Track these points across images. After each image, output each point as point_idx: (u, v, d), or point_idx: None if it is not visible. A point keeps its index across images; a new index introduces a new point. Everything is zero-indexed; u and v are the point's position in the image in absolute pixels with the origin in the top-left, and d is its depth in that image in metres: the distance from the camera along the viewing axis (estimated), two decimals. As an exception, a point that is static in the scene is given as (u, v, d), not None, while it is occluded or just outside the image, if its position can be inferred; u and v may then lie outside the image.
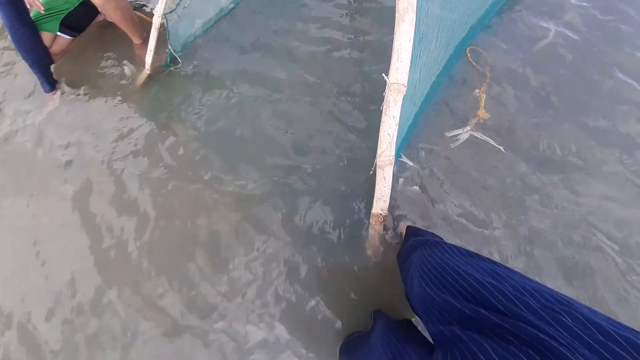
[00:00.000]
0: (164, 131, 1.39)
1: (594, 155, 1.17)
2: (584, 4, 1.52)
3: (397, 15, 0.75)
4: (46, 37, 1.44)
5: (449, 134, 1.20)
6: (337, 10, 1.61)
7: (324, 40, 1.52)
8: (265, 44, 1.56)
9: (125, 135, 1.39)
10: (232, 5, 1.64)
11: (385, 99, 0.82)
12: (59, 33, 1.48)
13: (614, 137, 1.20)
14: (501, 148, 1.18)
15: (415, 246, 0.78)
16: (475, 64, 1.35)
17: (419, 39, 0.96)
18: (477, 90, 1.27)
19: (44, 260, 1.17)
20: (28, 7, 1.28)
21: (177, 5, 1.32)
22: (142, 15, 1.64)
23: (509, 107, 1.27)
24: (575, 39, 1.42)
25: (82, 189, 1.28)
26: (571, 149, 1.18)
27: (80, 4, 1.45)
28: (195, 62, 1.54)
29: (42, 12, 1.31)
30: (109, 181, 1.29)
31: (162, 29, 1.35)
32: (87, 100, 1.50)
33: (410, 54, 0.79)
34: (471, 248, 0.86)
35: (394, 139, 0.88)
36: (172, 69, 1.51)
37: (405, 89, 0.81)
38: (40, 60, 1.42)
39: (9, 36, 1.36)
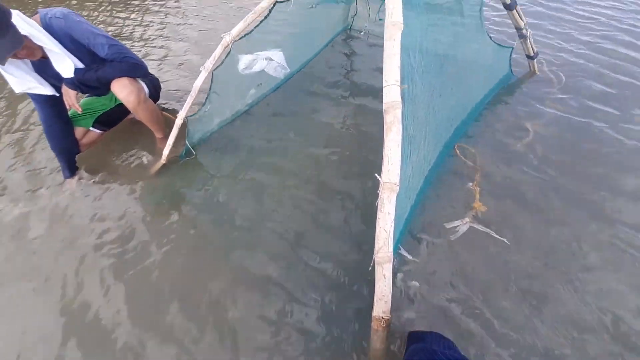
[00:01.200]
0: (166, 216, 1.43)
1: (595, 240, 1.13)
2: (558, 105, 1.72)
3: (385, 126, 0.85)
4: (79, 131, 1.62)
5: (448, 225, 1.20)
6: (341, 115, 1.84)
7: (328, 141, 1.67)
8: (275, 143, 1.73)
9: (127, 219, 1.43)
10: (246, 108, 1.89)
11: (379, 197, 0.86)
12: (91, 128, 1.68)
13: (605, 225, 1.19)
14: (505, 240, 1.16)
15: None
16: (464, 159, 1.45)
17: (408, 142, 1.06)
18: (470, 184, 1.33)
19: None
20: (76, 107, 1.46)
21: (199, 110, 1.53)
22: (168, 114, 1.89)
23: (503, 199, 1.30)
24: (554, 137, 1.55)
25: (78, 270, 1.24)
26: (571, 243, 1.15)
27: (118, 105, 1.69)
28: (207, 156, 1.69)
29: (80, 112, 1.51)
30: (104, 264, 1.25)
31: (183, 126, 1.54)
32: (102, 186, 1.60)
33: (400, 156, 0.86)
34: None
35: (391, 235, 0.88)
36: (186, 159, 1.65)
37: (397, 187, 0.85)
38: (68, 151, 1.57)
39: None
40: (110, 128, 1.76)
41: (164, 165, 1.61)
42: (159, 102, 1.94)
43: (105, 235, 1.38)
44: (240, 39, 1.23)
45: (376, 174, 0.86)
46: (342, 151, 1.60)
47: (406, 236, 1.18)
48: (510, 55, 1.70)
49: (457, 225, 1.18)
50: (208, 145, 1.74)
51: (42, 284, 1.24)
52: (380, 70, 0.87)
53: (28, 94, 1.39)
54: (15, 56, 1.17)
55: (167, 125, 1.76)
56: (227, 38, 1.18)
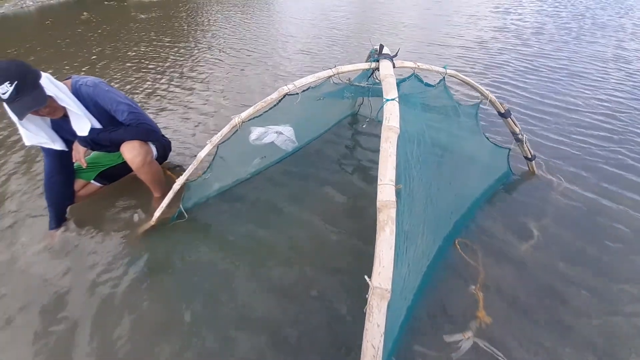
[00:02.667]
0: (143, 281, 1.32)
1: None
2: (560, 204, 1.68)
3: (377, 224, 0.81)
4: (79, 183, 1.64)
5: (448, 339, 1.04)
6: (341, 194, 1.84)
7: (322, 220, 1.63)
8: (269, 215, 1.69)
9: (102, 280, 1.31)
10: (248, 176, 1.92)
11: (368, 303, 0.76)
12: (92, 181, 1.69)
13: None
14: (514, 365, 0.98)
15: None
16: (465, 256, 1.36)
17: (404, 238, 1.01)
18: (473, 287, 1.22)
19: None
20: (82, 163, 1.50)
21: (200, 176, 1.55)
22: (171, 173, 1.92)
23: (510, 309, 1.16)
24: (559, 237, 1.48)
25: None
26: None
27: (123, 163, 1.74)
28: (200, 220, 1.65)
29: (85, 167, 1.54)
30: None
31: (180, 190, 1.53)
32: (82, 244, 1.53)
33: (393, 259, 0.79)
34: None
35: (380, 351, 0.75)
36: (175, 223, 1.60)
37: (389, 294, 0.76)
38: (61, 202, 1.56)
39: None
40: (110, 182, 1.77)
41: (152, 226, 1.56)
42: (170, 160, 2.01)
43: (61, 298, 1.25)
44: (249, 120, 1.31)
45: (366, 276, 0.78)
46: (335, 235, 1.54)
47: (400, 346, 1.03)
48: (508, 155, 1.76)
49: (459, 341, 1.03)
50: (201, 211, 1.70)
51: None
52: (373, 157, 0.88)
53: (40, 146, 1.44)
54: (37, 113, 1.25)
55: (169, 185, 1.77)
56: (236, 120, 1.25)
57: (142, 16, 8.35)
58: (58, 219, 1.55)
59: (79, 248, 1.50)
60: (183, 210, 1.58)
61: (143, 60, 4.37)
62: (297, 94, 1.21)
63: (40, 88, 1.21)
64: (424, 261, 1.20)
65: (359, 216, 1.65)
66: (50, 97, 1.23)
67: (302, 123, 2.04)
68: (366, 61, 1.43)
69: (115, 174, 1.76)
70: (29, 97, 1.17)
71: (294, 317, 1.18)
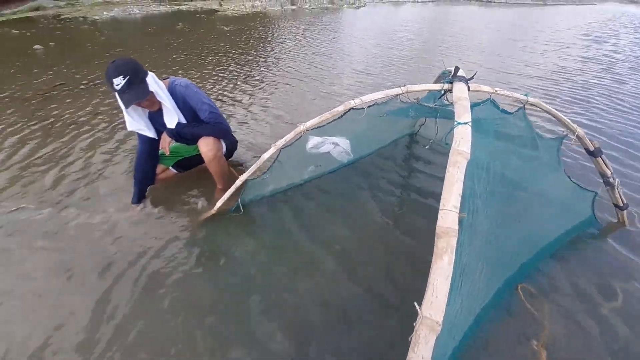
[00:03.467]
0: (192, 264, 1.45)
1: None
2: None
3: (435, 250, 0.78)
4: (160, 167, 1.88)
5: (497, 394, 0.93)
6: (391, 216, 1.80)
7: (369, 240, 1.60)
8: (316, 222, 1.73)
9: (163, 253, 1.49)
10: (301, 182, 1.99)
11: (415, 332, 0.73)
12: (170, 167, 1.93)
13: None
14: None
15: None
16: (529, 305, 1.21)
17: (461, 271, 0.94)
18: (534, 343, 1.07)
19: None
20: (166, 151, 1.72)
21: (260, 176, 1.67)
22: (234, 171, 2.09)
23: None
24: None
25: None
26: None
27: (197, 155, 1.95)
28: (254, 216, 1.75)
29: (167, 154, 1.76)
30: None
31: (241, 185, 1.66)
32: (156, 219, 1.74)
33: (448, 290, 0.74)
34: None
35: (421, 386, 0.71)
36: (232, 215, 1.73)
37: (439, 327, 0.71)
38: (145, 181, 1.80)
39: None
40: (185, 171, 2.00)
41: (213, 215, 1.71)
42: (232, 158, 2.19)
43: (130, 262, 1.44)
44: (312, 129, 1.37)
45: (415, 303, 0.74)
46: (380, 253, 1.50)
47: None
48: (594, 200, 1.53)
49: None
50: (256, 208, 1.81)
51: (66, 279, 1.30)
52: (440, 179, 0.84)
53: (137, 133, 1.70)
54: (139, 104, 1.49)
55: (231, 180, 1.93)
56: (301, 127, 1.32)
57: (225, 28, 9.37)
58: (140, 196, 1.80)
59: (151, 223, 1.71)
60: (240, 205, 1.70)
61: (217, 67, 4.88)
62: (363, 108, 1.24)
63: (145, 84, 1.44)
64: (479, 302, 1.10)
65: (406, 237, 1.59)
66: (152, 92, 1.46)
67: (359, 137, 2.07)
68: (435, 82, 1.40)
69: (189, 164, 1.99)
70: (136, 91, 1.41)
71: (326, 331, 1.17)
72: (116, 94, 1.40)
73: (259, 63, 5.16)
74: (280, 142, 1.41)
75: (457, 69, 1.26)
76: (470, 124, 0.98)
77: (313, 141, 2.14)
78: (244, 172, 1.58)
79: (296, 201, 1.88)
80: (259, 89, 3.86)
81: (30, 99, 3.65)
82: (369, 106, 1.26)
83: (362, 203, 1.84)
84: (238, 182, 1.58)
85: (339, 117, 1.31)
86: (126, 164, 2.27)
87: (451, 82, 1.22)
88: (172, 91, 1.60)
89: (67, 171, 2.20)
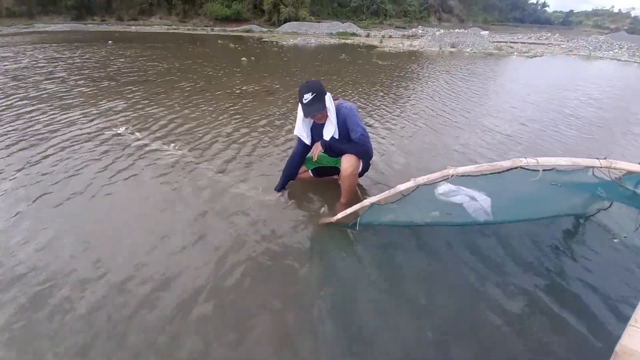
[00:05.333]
0: (301, 258, 1.63)
1: None
2: None
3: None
4: (302, 168, 2.22)
5: None
6: (524, 321, 1.50)
7: (486, 307, 1.39)
8: (429, 267, 1.63)
9: (280, 240, 1.75)
10: (422, 224, 1.91)
11: None
12: (309, 170, 2.24)
13: None
14: None
15: None
16: None
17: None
18: None
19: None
20: (315, 157, 2.04)
21: (385, 203, 1.71)
22: (359, 191, 2.22)
23: None
24: None
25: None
26: None
27: (334, 167, 2.19)
28: (366, 238, 1.81)
29: (313, 160, 2.06)
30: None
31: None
32: (285, 209, 2.05)
33: None
34: None
35: None
36: (348, 229, 1.84)
37: None
38: (290, 175, 2.15)
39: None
40: (319, 177, 2.28)
41: (331, 222, 1.87)
42: (362, 179, 2.35)
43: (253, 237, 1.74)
44: (461, 176, 1.31)
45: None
46: (482, 333, 1.26)
47: None
48: None
49: None
50: (370, 231, 1.86)
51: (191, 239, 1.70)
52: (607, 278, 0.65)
53: (298, 136, 2.05)
54: (313, 117, 1.82)
55: (354, 199, 2.07)
56: (450, 171, 1.29)
57: (380, 62, 10.19)
58: (282, 186, 2.16)
59: (282, 210, 2.03)
60: (358, 223, 1.79)
61: (368, 99, 5.32)
62: (537, 170, 1.10)
63: (323, 101, 1.78)
64: None
65: (523, 333, 1.27)
66: (326, 108, 1.77)
67: (504, 197, 1.82)
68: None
69: (325, 173, 2.26)
70: (317, 106, 1.76)
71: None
72: (301, 105, 1.79)
73: (403, 98, 5.34)
74: (422, 179, 1.41)
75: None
76: None
77: (445, 187, 2.02)
78: (366, 193, 1.66)
79: (410, 240, 1.82)
80: (398, 122, 3.99)
81: (231, 95, 5.00)
82: (544, 169, 1.11)
83: (484, 273, 1.60)
84: (365, 203, 1.67)
85: (499, 172, 1.20)
86: (275, 156, 2.79)
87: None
88: (338, 110, 1.88)
89: (240, 151, 2.90)
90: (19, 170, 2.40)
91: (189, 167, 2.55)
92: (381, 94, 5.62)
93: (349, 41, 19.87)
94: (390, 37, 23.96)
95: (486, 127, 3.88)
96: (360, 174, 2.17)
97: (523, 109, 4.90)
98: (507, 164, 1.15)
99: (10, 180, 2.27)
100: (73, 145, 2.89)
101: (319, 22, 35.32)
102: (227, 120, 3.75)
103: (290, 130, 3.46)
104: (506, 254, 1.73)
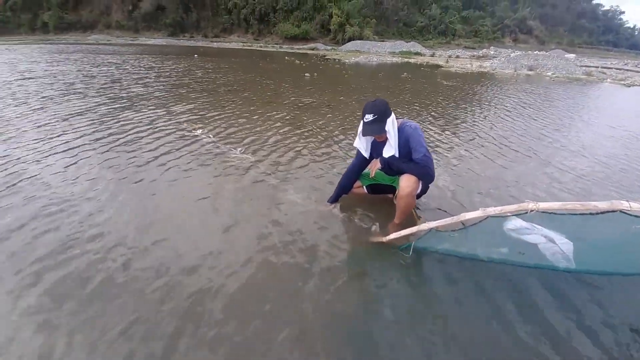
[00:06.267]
0: (347, 274, 1.59)
1: None
2: None
3: None
4: (357, 182, 2.20)
5: None
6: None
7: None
8: (487, 309, 1.46)
9: (327, 249, 1.74)
10: (484, 258, 1.73)
11: None
12: (364, 186, 2.22)
13: None
14: None
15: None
16: None
17: None
18: None
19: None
20: (372, 174, 2.00)
21: (446, 232, 1.60)
22: (415, 213, 2.12)
23: None
24: None
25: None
26: None
27: (390, 185, 2.14)
28: (419, 264, 1.71)
29: (370, 176, 2.04)
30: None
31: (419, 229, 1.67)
32: (336, 222, 2.05)
33: None
34: None
35: None
36: (399, 252, 1.76)
37: None
38: (345, 188, 2.14)
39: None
40: (373, 194, 2.24)
41: (382, 242, 1.81)
42: (417, 201, 2.24)
43: (288, 242, 1.76)
44: (541, 213, 1.16)
45: None
46: None
47: None
48: None
49: None
50: (425, 257, 1.75)
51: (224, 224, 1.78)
52: None
53: (357, 149, 2.05)
54: (373, 134, 1.83)
55: (409, 221, 1.99)
56: (530, 205, 1.16)
57: (445, 82, 9.79)
58: (335, 198, 2.17)
59: (332, 222, 2.03)
60: (412, 247, 1.70)
61: (428, 118, 5.12)
62: (647, 219, 0.92)
63: (384, 124, 1.77)
64: None
65: None
66: (385, 131, 1.78)
67: (591, 243, 1.56)
68: None
69: (380, 190, 2.21)
70: (377, 127, 1.77)
71: None
72: (363, 122, 1.81)
73: (467, 121, 5.02)
74: (493, 210, 1.30)
75: None
76: None
77: (516, 223, 1.80)
78: (421, 216, 1.57)
79: (469, 275, 1.66)
80: (459, 147, 3.74)
81: (294, 108, 5.29)
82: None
83: (565, 326, 1.37)
84: (423, 227, 1.58)
85: (592, 214, 1.04)
86: (329, 170, 2.83)
87: None
88: (401, 129, 1.84)
89: (296, 160, 3.02)
90: (105, 154, 2.88)
91: (251, 171, 2.73)
92: (442, 114, 5.37)
93: (412, 60, 19.62)
94: (457, 57, 23.00)
95: (560, 163, 3.40)
96: (418, 196, 2.07)
97: (612, 145, 4.20)
98: (603, 205, 0.99)
99: (98, 164, 2.73)
100: (155, 140, 3.37)
101: (382, 41, 35.73)
102: (288, 130, 3.95)
103: (345, 146, 3.50)
104: (599, 310, 1.46)
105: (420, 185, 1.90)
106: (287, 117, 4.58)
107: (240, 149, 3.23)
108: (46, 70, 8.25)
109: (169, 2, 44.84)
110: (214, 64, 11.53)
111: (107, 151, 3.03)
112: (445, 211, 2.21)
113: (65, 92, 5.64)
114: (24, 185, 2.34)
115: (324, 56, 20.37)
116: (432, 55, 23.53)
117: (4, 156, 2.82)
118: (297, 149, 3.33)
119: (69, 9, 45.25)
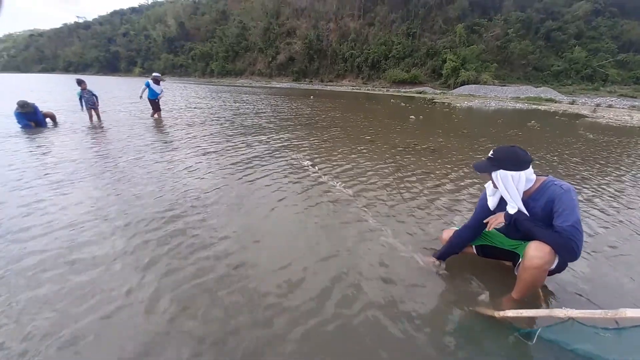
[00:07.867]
0: (445, 346, 1.37)
1: None
2: None
3: None
4: (467, 242, 1.94)
5: None
6: None
7: None
8: None
9: (420, 309, 1.58)
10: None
11: None
12: (473, 247, 1.96)
13: None
14: None
15: None
16: None
17: None
18: None
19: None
20: (489, 227, 1.70)
21: (591, 326, 1.23)
22: (541, 292, 1.72)
23: None
24: None
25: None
26: None
27: (508, 251, 1.81)
28: (541, 357, 1.35)
29: (489, 230, 1.71)
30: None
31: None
32: (439, 280, 1.87)
33: None
34: None
35: None
36: (518, 336, 1.44)
37: None
38: (456, 247, 1.91)
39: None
40: (484, 256, 1.95)
41: (492, 316, 1.52)
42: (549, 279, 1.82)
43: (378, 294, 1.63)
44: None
45: None
46: None
47: None
48: None
49: None
50: (551, 352, 1.37)
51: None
52: None
53: (479, 204, 1.82)
54: (475, 169, 1.68)
55: (534, 299, 1.63)
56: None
57: (590, 136, 7.97)
58: (443, 256, 1.96)
59: (434, 281, 1.86)
60: (537, 335, 1.37)
61: (577, 176, 4.20)
62: None
63: (489, 168, 1.60)
64: None
65: None
66: (490, 174, 1.62)
67: None
68: None
69: (492, 254, 1.91)
70: (482, 165, 1.65)
71: None
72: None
73: (625, 190, 3.86)
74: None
75: None
76: None
77: None
78: (550, 299, 1.24)
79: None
80: (628, 216, 2.88)
81: (396, 149, 5.31)
82: None
83: None
84: (557, 312, 1.27)
85: None
86: (429, 218, 2.64)
87: None
88: (544, 187, 1.56)
89: (396, 204, 2.96)
90: (221, 171, 3.50)
91: (350, 206, 2.83)
92: (595, 175, 4.32)
93: (541, 107, 16.96)
94: (609, 106, 18.57)
95: None
96: (551, 272, 1.67)
97: None
98: None
99: (214, 179, 3.35)
100: (265, 164, 3.97)
101: (503, 85, 32.51)
102: (388, 171, 3.96)
103: (450, 193, 3.23)
104: None
105: (557, 260, 1.54)
106: (388, 158, 4.61)
107: (340, 183, 3.42)
108: (200, 103, 11.13)
109: (298, 54, 54.92)
110: (326, 105, 12.95)
111: (226, 167, 3.76)
112: (589, 299, 1.71)
113: (207, 119, 7.43)
114: (177, 171, 3.20)
115: (432, 99, 19.93)
116: (572, 103, 19.78)
117: (172, 160, 3.86)
118: (396, 190, 3.28)
119: (229, 61, 65.29)
